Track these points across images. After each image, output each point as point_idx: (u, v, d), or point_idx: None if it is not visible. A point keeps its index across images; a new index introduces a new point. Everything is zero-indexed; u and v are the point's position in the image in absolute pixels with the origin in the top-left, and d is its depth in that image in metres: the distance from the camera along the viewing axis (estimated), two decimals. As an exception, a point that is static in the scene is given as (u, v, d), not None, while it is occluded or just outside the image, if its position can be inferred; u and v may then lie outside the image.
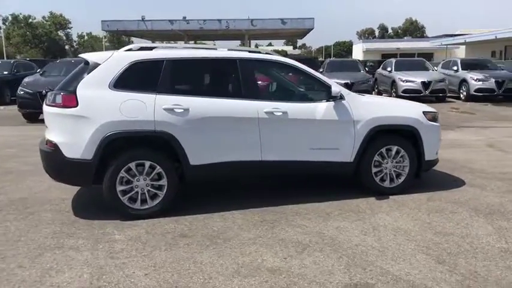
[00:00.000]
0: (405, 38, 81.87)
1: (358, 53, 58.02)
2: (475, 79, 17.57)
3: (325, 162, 5.31)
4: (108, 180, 4.66)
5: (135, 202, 4.77)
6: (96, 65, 4.75)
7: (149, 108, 4.69)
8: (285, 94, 5.57)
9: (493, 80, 17.28)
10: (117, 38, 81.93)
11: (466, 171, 6.70)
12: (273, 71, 5.64)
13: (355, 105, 5.34)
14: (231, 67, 5.10)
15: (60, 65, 15.04)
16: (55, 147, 4.61)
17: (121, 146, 4.68)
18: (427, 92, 17.48)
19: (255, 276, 3.50)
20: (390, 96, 18.05)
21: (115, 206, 4.73)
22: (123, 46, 5.69)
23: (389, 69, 19.49)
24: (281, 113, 5.05)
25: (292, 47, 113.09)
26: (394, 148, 5.51)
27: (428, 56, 44.89)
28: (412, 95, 16.79)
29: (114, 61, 4.79)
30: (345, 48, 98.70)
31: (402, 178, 5.60)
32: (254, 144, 5.02)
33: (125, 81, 4.74)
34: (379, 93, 20.10)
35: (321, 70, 18.62)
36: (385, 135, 5.46)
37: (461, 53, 46.27)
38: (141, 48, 5.03)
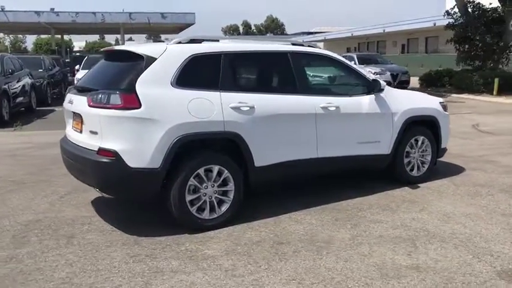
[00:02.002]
0: (267, 35, 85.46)
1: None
2: (373, 72, 19.04)
3: (369, 156, 5.32)
4: (177, 190, 4.10)
5: (203, 212, 4.27)
6: (152, 60, 4.12)
7: (217, 107, 4.23)
8: (334, 88, 5.44)
9: (389, 73, 18.95)
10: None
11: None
12: (320, 65, 5.46)
13: (390, 97, 5.44)
14: (284, 61, 4.82)
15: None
16: (115, 156, 3.91)
17: (190, 151, 4.15)
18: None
19: (405, 276, 3.38)
20: None
21: (185, 218, 4.19)
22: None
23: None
24: (334, 108, 4.94)
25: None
26: (421, 138, 5.75)
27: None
28: None
29: (171, 55, 4.22)
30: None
31: (426, 166, 5.87)
32: (311, 141, 4.84)
33: (186, 78, 4.20)
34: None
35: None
36: (413, 126, 5.66)
37: (317, 50, 49.65)
38: (191, 41, 4.49)
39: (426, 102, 5.96)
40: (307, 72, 5.12)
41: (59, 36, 45.21)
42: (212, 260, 3.68)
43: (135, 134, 3.94)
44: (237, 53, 4.59)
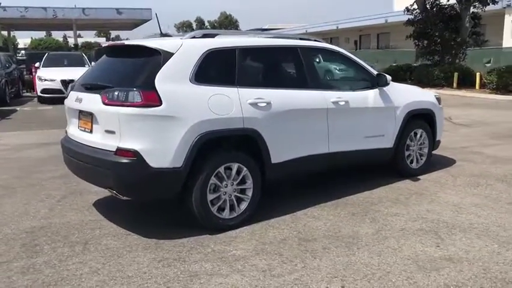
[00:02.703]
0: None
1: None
2: (338, 69, 19.12)
3: (374, 150, 5.35)
4: (199, 190, 3.95)
5: (224, 211, 4.15)
6: (169, 55, 3.95)
7: (236, 103, 4.12)
8: (342, 83, 5.41)
9: None
10: None
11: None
12: (329, 59, 5.41)
13: (393, 91, 5.49)
14: (296, 55, 4.76)
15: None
16: (136, 156, 3.72)
17: (211, 149, 4.01)
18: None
19: (442, 267, 3.40)
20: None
21: (206, 219, 4.05)
22: None
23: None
24: (344, 103, 4.93)
25: (105, 38, 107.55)
26: (419, 131, 5.85)
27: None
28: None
29: (188, 51, 4.06)
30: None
31: (424, 159, 5.98)
32: (323, 136, 4.81)
33: (204, 74, 4.05)
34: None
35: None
36: (413, 119, 5.74)
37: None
38: (204, 36, 4.35)
39: (424, 96, 6.07)
40: (334, 67, 5.09)
41: (5, 32, 43.07)
42: (244, 260, 3.57)
43: (156, 133, 3.77)
44: (250, 48, 4.49)
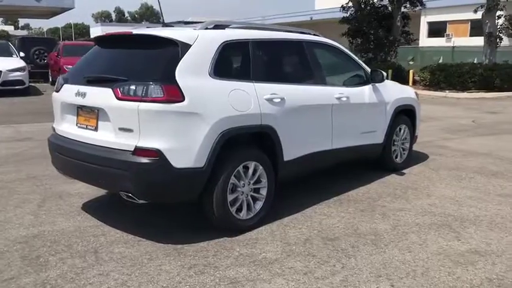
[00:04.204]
0: (143, 23, 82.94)
1: (98, 36, 55.93)
2: None
3: (368, 146, 5.39)
4: (221, 190, 3.73)
5: (241, 212, 3.96)
6: (187, 47, 3.66)
7: (254, 99, 3.93)
8: (342, 78, 5.33)
9: None
10: None
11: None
12: (329, 54, 5.30)
13: (384, 88, 5.56)
14: (303, 50, 4.64)
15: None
16: (159, 155, 3.41)
17: (231, 147, 3.78)
18: None
19: (476, 261, 3.45)
20: None
21: (226, 220, 3.83)
22: None
23: None
24: (345, 98, 4.90)
25: (13, 26, 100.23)
26: (403, 126, 5.98)
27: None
28: None
29: (205, 42, 3.79)
30: (78, 31, 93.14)
31: (406, 153, 6.13)
32: (328, 133, 4.75)
33: (222, 67, 3.82)
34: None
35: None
36: (399, 115, 5.86)
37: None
38: (216, 27, 4.08)
39: (407, 92, 6.21)
40: (334, 62, 5.02)
41: None
42: (279, 263, 3.41)
43: (179, 131, 3.48)
44: (263, 41, 4.29)
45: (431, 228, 4.10)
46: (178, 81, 3.47)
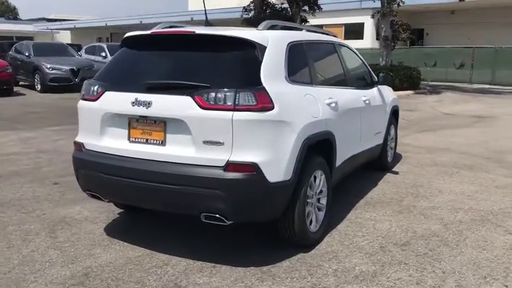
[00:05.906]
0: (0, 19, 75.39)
1: None
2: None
3: (376, 147, 5.46)
4: (302, 203, 3.46)
5: (311, 224, 3.72)
6: (264, 48, 3.32)
7: (320, 104, 3.73)
8: (360, 81, 5.25)
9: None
10: None
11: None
12: (348, 56, 5.16)
13: (383, 89, 5.68)
14: (336, 52, 4.53)
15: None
16: (256, 170, 3.04)
17: (309, 156, 3.51)
18: (76, 80, 15.50)
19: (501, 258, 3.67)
20: (35, 85, 16.16)
21: (302, 234, 3.54)
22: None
23: (27, 53, 16.76)
24: (368, 101, 4.91)
25: None
26: (392, 126, 6.18)
27: (29, 38, 39.69)
28: (61, 84, 15.55)
29: (277, 44, 3.47)
30: None
31: (392, 152, 6.35)
32: (358, 135, 4.72)
33: (292, 71, 3.54)
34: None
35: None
36: (391, 115, 6.02)
37: (65, 37, 47.22)
38: (271, 27, 3.76)
39: (393, 93, 6.41)
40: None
41: None
42: (383, 276, 3.25)
43: (272, 141, 3.14)
44: (312, 42, 4.09)
45: (477, 224, 4.25)
46: (266, 87, 3.13)
